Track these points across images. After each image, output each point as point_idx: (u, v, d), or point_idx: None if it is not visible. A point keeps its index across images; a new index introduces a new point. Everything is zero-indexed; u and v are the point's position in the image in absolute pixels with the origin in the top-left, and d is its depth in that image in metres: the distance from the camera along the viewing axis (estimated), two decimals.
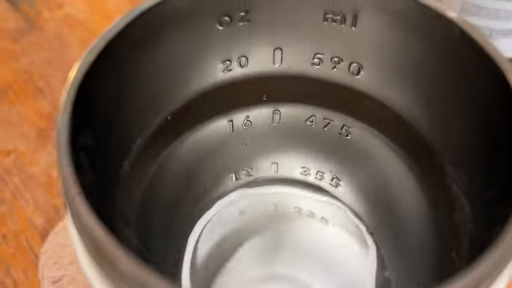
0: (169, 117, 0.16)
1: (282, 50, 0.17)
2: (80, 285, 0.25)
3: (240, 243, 0.23)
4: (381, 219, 0.18)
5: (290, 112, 0.19)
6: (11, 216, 0.32)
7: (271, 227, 0.23)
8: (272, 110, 0.19)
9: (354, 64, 0.16)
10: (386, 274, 0.18)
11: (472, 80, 0.14)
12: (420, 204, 0.16)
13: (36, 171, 0.34)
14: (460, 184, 0.15)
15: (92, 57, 0.13)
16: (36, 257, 0.31)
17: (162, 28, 0.15)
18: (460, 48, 0.13)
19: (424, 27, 0.14)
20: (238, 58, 0.17)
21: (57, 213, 0.33)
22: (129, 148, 0.15)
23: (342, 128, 0.19)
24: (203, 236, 0.20)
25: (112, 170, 0.15)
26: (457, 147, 0.15)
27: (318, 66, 0.17)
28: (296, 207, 0.21)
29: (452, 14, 0.13)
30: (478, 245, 0.14)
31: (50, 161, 0.34)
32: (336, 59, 0.17)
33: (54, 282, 0.26)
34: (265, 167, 0.20)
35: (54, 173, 0.34)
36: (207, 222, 0.20)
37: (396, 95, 0.16)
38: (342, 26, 0.15)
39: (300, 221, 0.23)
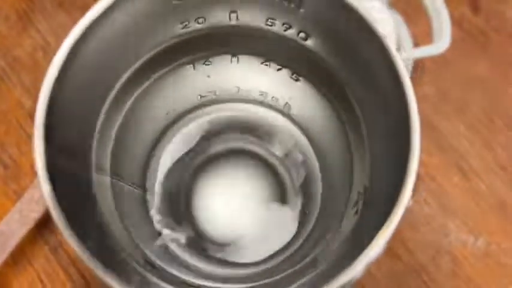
0: (140, 66, 0.20)
1: (236, 12, 0.20)
2: None
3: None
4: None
5: (246, 57, 0.22)
6: (1, 97, 0.34)
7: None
8: (229, 52, 0.22)
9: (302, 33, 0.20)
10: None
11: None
12: (338, 119, 0.22)
13: (20, 54, 0.35)
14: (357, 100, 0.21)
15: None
16: (28, 135, 0.34)
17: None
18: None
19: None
20: (196, 19, 0.20)
21: None
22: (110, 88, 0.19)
23: (293, 74, 0.23)
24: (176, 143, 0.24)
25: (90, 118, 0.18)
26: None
27: (270, 27, 0.20)
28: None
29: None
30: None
31: (34, 44, 0.35)
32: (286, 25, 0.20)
33: None
34: (228, 89, 0.23)
35: (39, 56, 0.35)
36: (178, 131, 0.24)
37: (323, 48, 0.21)
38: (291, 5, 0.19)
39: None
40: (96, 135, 0.19)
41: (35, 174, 0.32)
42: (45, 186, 0.15)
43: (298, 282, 0.17)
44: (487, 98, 0.36)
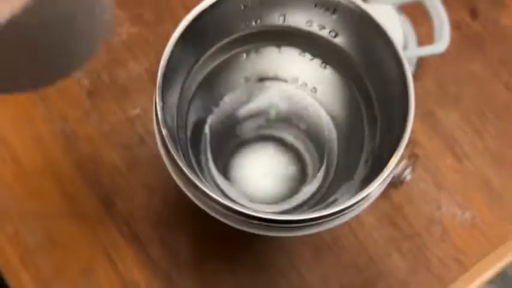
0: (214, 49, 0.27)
1: (285, 15, 0.27)
2: None
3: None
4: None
5: (287, 48, 0.29)
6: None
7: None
8: (275, 44, 0.29)
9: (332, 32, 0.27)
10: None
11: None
12: (355, 99, 0.28)
13: None
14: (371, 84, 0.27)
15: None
16: (86, 111, 0.39)
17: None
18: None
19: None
20: (255, 19, 0.27)
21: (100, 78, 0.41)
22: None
23: (322, 63, 0.29)
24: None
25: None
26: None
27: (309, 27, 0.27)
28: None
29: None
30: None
31: None
32: (320, 26, 0.27)
33: None
34: (268, 74, 0.30)
35: None
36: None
37: (348, 44, 0.27)
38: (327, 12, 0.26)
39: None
40: (183, 96, 0.26)
41: None
42: (164, 131, 0.22)
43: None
44: (479, 93, 0.41)
